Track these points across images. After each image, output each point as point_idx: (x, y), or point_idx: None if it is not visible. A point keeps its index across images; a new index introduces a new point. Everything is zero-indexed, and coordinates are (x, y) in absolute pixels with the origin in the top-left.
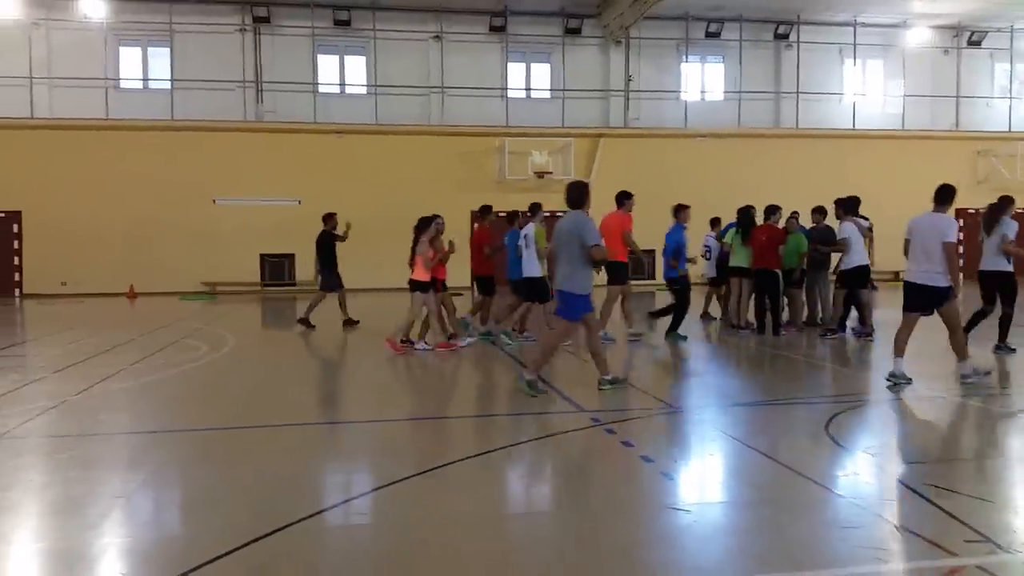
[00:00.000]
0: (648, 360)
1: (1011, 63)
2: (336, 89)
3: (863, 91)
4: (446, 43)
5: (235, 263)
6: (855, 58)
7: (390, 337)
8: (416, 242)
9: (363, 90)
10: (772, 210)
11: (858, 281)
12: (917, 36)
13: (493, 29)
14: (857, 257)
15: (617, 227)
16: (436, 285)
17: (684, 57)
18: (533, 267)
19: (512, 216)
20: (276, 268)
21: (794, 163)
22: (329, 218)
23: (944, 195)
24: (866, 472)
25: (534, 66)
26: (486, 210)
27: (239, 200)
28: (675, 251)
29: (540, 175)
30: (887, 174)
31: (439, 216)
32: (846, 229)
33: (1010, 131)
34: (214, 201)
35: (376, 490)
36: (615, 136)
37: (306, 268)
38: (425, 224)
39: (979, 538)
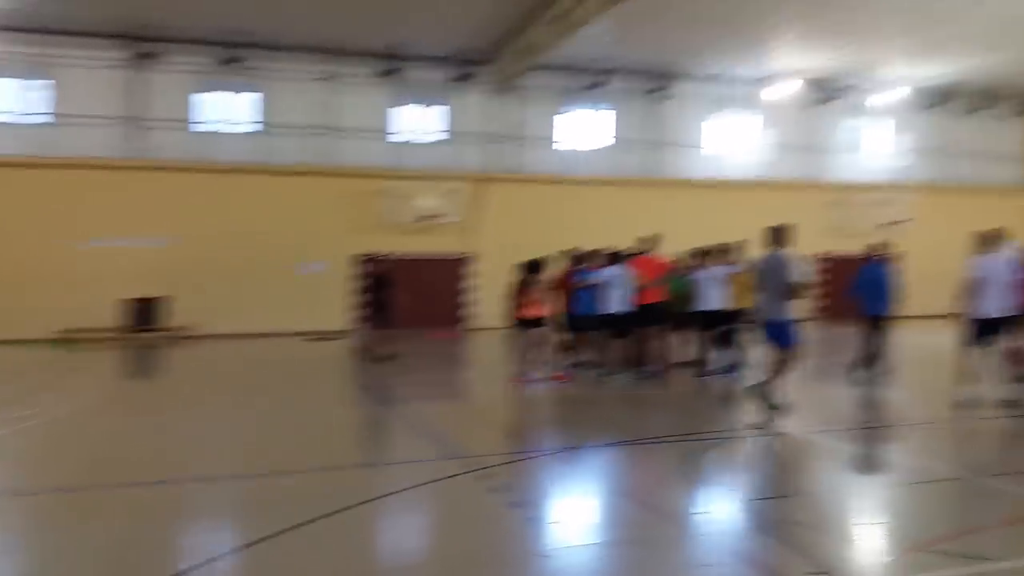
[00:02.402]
0: (519, 404)
1: (863, 118)
2: (222, 127)
3: (733, 142)
4: (337, 84)
5: (97, 308)
6: (724, 110)
7: (553, 374)
8: (528, 283)
9: (250, 128)
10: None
11: (708, 323)
12: (779, 91)
13: (385, 72)
14: (709, 302)
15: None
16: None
17: (568, 106)
18: (621, 305)
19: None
20: (144, 312)
21: (671, 210)
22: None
23: None
24: (722, 509)
25: (425, 109)
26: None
27: (113, 241)
28: None
29: (428, 218)
30: (755, 221)
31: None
32: (699, 275)
33: (862, 181)
34: (88, 241)
35: (237, 550)
36: (504, 181)
37: (180, 312)
38: (541, 266)
39: (819, 571)
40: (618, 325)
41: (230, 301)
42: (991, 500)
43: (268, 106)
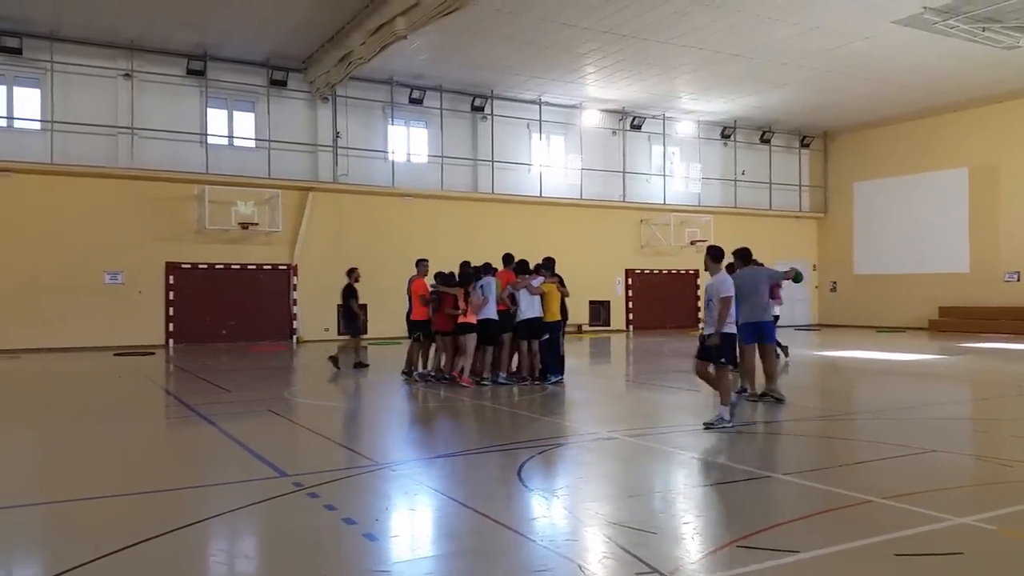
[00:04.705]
0: (351, 416)
1: (664, 145)
2: (2, 122)
3: (548, 163)
4: (138, 82)
5: None
6: (540, 133)
7: (461, 377)
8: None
9: (36, 125)
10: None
11: (530, 333)
12: (591, 117)
13: (191, 72)
14: (529, 312)
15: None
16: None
17: (390, 119)
18: (491, 312)
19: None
20: None
21: (491, 225)
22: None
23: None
24: (554, 514)
25: (237, 114)
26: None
27: None
28: None
29: (244, 226)
30: (569, 237)
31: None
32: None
33: (665, 203)
34: None
35: None
36: (324, 190)
37: None
38: (471, 277)
39: (647, 569)
40: (496, 329)
41: (24, 313)
42: (794, 496)
43: (58, 102)
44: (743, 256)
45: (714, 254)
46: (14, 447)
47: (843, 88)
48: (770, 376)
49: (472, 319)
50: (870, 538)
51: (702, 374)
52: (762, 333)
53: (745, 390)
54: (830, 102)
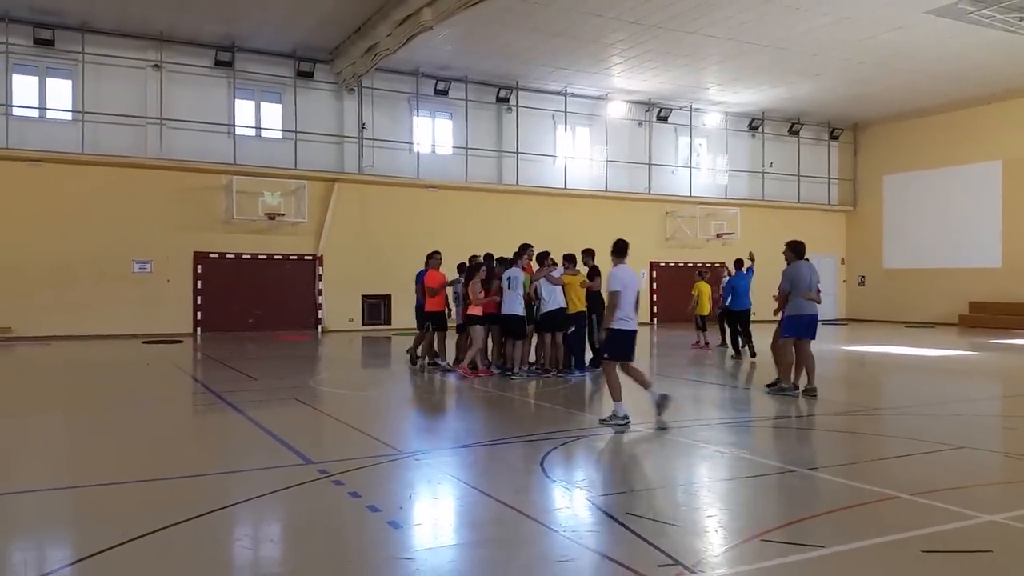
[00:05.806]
0: (376, 405)
1: (691, 137)
2: (35, 113)
3: (573, 154)
4: (167, 73)
5: None
6: (566, 124)
7: (461, 366)
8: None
9: (68, 116)
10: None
11: (552, 325)
12: (616, 109)
13: (219, 63)
14: (551, 304)
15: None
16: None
17: (415, 111)
18: (516, 306)
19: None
20: None
21: (515, 216)
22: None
23: None
24: (576, 505)
25: (264, 105)
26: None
27: None
28: None
29: (272, 216)
30: (593, 229)
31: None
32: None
33: (691, 195)
34: None
35: (72, 564)
36: (350, 181)
37: None
38: (477, 267)
39: (669, 561)
40: (520, 324)
41: (55, 301)
42: (820, 491)
43: (88, 93)
44: (796, 249)
45: (617, 248)
46: (44, 433)
47: (874, 79)
48: (810, 372)
49: (477, 311)
50: (897, 534)
51: (609, 373)
52: (810, 327)
53: (777, 383)
54: (861, 93)
